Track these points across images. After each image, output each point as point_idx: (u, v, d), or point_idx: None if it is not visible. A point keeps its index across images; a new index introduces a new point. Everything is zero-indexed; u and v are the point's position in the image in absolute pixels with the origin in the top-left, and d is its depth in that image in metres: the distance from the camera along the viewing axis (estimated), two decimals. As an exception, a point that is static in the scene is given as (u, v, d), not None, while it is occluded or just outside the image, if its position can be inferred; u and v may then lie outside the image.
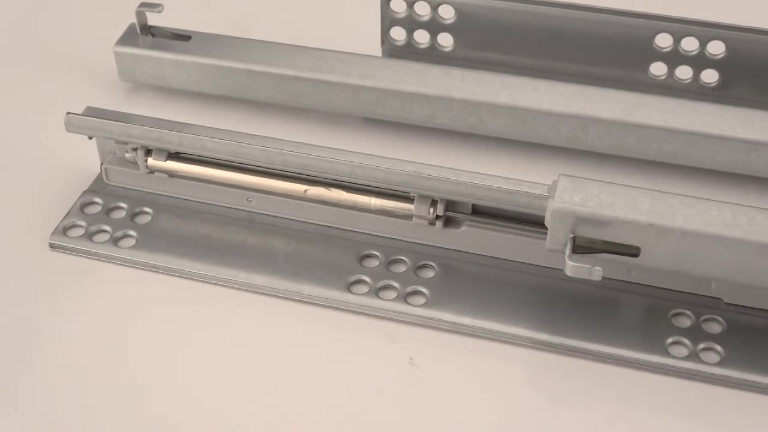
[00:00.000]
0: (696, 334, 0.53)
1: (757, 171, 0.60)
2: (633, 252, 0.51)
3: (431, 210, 0.56)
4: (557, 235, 0.51)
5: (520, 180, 0.54)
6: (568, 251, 0.50)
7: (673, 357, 0.52)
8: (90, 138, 0.60)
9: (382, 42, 0.68)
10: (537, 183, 0.53)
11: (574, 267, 0.50)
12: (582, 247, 0.51)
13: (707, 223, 0.50)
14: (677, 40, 0.63)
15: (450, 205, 0.57)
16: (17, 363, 0.53)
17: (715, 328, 0.54)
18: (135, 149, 0.60)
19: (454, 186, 0.55)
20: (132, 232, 0.59)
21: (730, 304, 0.54)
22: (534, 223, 0.55)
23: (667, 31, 0.63)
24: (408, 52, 0.67)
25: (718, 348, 0.53)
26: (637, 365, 0.52)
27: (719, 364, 0.52)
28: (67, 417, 0.51)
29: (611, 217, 0.50)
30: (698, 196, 0.51)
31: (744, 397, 0.51)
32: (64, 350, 0.54)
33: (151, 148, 0.59)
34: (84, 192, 0.62)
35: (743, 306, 0.54)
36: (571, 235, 0.51)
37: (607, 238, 0.51)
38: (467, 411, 0.51)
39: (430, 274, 0.57)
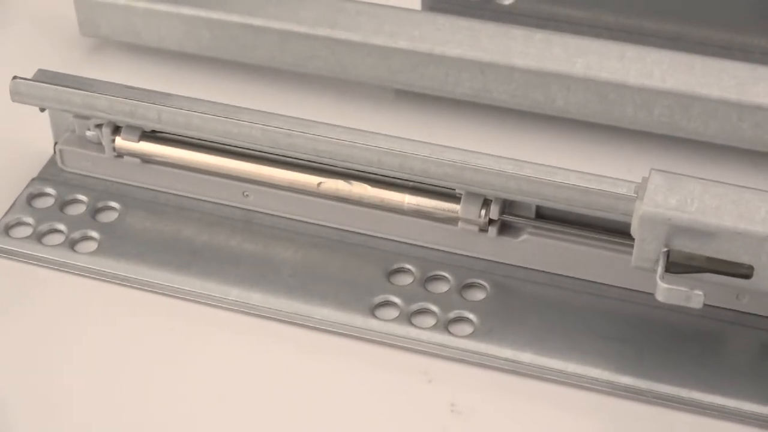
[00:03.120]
0: (825, 380, 0.54)
1: None
2: (745, 272, 0.51)
3: (483, 212, 0.57)
4: (647, 248, 0.52)
5: (599, 176, 0.54)
6: (660, 270, 0.51)
7: (795, 410, 0.53)
8: (42, 110, 0.61)
9: (422, -10, 0.69)
10: (621, 180, 0.54)
11: (667, 290, 0.50)
12: (679, 265, 0.51)
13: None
14: (808, -4, 0.63)
15: (507, 206, 0.57)
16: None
17: None
18: (99, 126, 0.60)
19: (512, 181, 0.55)
20: (93, 233, 0.60)
21: None
22: (616, 232, 0.56)
23: (795, -17, 0.63)
24: (455, 3, 0.68)
25: None
26: (747, 419, 0.53)
27: None
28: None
29: (717, 227, 0.50)
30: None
31: None
32: (3, 374, 0.55)
33: (120, 124, 0.60)
34: (32, 180, 0.62)
35: None
36: (665, 249, 0.51)
37: (711, 254, 0.51)
38: (524, 474, 0.52)
39: (479, 295, 0.57)
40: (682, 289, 0.50)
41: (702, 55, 0.63)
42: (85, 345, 0.56)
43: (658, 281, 0.51)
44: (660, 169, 0.52)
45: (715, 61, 0.62)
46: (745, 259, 0.51)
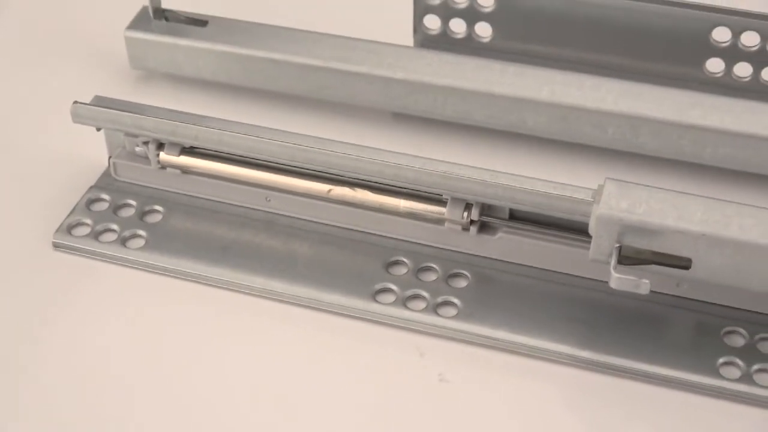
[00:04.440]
0: (750, 354, 0.53)
1: (821, 178, 0.60)
2: (684, 264, 0.51)
3: (465, 214, 0.57)
4: (602, 244, 0.51)
5: (562, 183, 0.54)
6: (613, 262, 0.51)
7: (725, 378, 0.53)
8: (98, 130, 0.61)
9: (415, 31, 0.68)
10: (581, 187, 0.53)
11: (619, 279, 0.50)
12: (629, 258, 0.51)
13: (765, 233, 0.50)
14: (736, 35, 0.63)
15: (485, 209, 0.57)
16: (16, 366, 0.54)
17: (771, 348, 0.54)
18: (146, 143, 0.60)
19: (490, 188, 0.55)
20: (141, 232, 0.60)
21: (789, 322, 0.55)
22: (576, 230, 0.55)
23: (725, 25, 0.62)
24: (442, 42, 0.68)
25: (775, 370, 0.53)
26: (685, 387, 0.53)
27: (776, 387, 0.52)
28: (65, 421, 0.51)
29: (661, 226, 0.50)
30: (756, 205, 0.51)
31: (802, 425, 0.52)
32: (65, 355, 0.54)
33: (163, 141, 0.60)
34: (90, 188, 0.62)
35: (803, 325, 0.55)
36: (617, 245, 0.51)
37: (656, 249, 0.51)
38: (500, 433, 0.51)
39: (462, 283, 0.57)
40: (632, 278, 0.50)
41: (648, 83, 0.62)
42: (135, 326, 0.56)
43: (612, 272, 0.50)
44: (613, 178, 0.52)
45: (658, 89, 0.62)
46: (684, 253, 0.51)
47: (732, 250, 0.50)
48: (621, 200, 0.51)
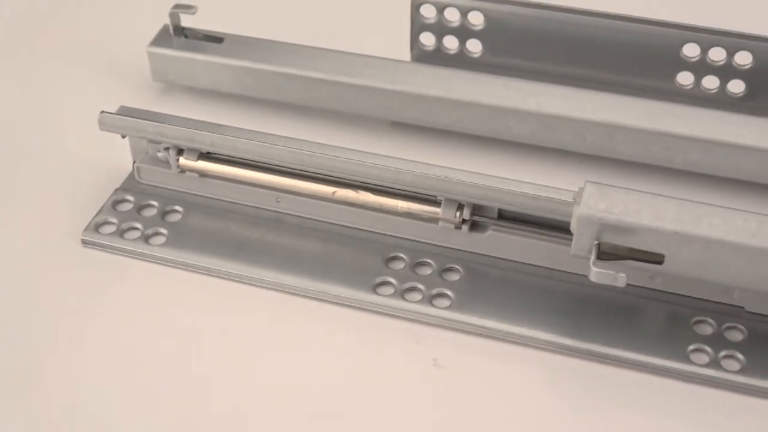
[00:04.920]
0: (717, 341, 0.54)
1: (782, 181, 0.61)
2: (657, 259, 0.51)
3: (457, 214, 0.57)
4: (582, 241, 0.52)
5: (546, 186, 0.54)
6: (592, 257, 0.51)
7: (695, 364, 0.53)
8: (123, 137, 0.61)
9: (411, 47, 0.68)
10: (563, 189, 0.54)
11: (598, 273, 0.50)
12: (607, 254, 0.51)
13: (732, 232, 0.50)
14: (704, 50, 0.63)
15: (476, 209, 0.57)
16: (48, 355, 0.54)
17: (736, 336, 0.54)
18: (167, 149, 0.60)
19: (480, 190, 0.55)
20: (162, 230, 0.60)
21: (752, 312, 0.55)
22: (559, 229, 0.55)
23: (694, 41, 0.63)
24: (436, 57, 0.68)
25: (740, 356, 0.53)
26: (658, 371, 0.53)
27: (740, 372, 0.52)
28: (94, 409, 0.52)
29: (637, 225, 0.50)
30: (723, 206, 0.51)
31: (764, 406, 0.51)
32: (94, 344, 0.54)
33: (182, 147, 0.60)
34: (116, 190, 0.62)
35: (765, 315, 0.55)
36: (596, 242, 0.51)
37: (631, 246, 0.51)
38: (488, 413, 0.51)
39: (455, 277, 0.57)
40: (610, 272, 0.50)
41: (623, 95, 0.63)
42: (157, 315, 0.56)
43: (591, 267, 0.51)
44: (593, 181, 0.52)
45: (633, 100, 0.62)
46: (658, 250, 0.51)
47: (701, 246, 0.50)
48: (600, 201, 0.51)
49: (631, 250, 0.51)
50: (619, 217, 0.50)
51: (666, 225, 0.50)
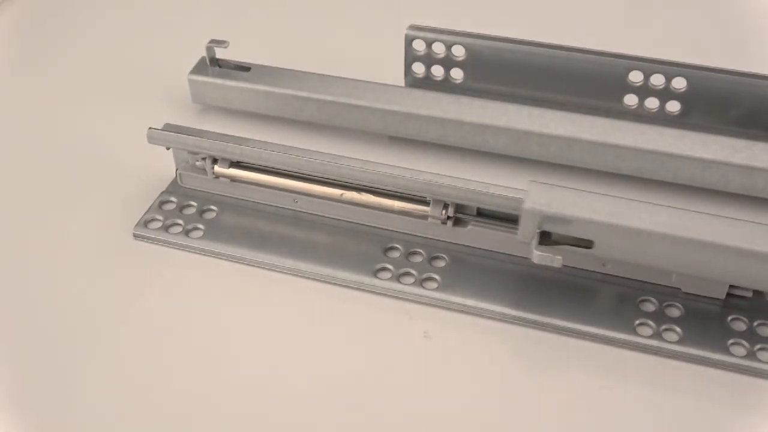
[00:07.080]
0: (659, 317, 0.53)
1: (710, 184, 0.60)
2: (586, 245, 0.51)
3: (444, 212, 0.56)
4: (527, 229, 0.51)
5: (514, 188, 0.54)
6: (534, 243, 0.51)
7: (640, 336, 0.52)
8: (167, 149, 0.60)
9: (405, 74, 0.67)
10: (519, 189, 0.53)
11: (539, 255, 0.50)
12: (546, 240, 0.51)
13: (658, 224, 0.49)
14: (647, 77, 0.62)
15: (459, 207, 0.57)
16: (106, 336, 0.53)
17: (674, 312, 0.54)
18: (204, 158, 0.60)
19: (462, 192, 0.55)
20: (200, 226, 0.59)
21: (687, 293, 0.54)
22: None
23: (638, 69, 0.62)
24: (426, 83, 0.67)
25: (678, 329, 0.52)
26: (609, 342, 0.52)
27: (678, 342, 0.52)
28: (149, 385, 0.51)
29: (571, 216, 0.50)
30: (654, 203, 0.51)
31: (698, 371, 0.51)
32: (145, 323, 0.54)
33: (217, 157, 0.59)
34: (162, 192, 0.62)
35: (698, 295, 0.54)
36: (539, 230, 0.51)
37: (567, 233, 0.51)
38: (468, 374, 0.51)
39: (441, 264, 0.57)
40: (548, 255, 0.50)
41: (580, 114, 0.62)
42: (197, 297, 0.55)
43: (533, 250, 0.50)
44: (535, 181, 0.52)
45: (588, 117, 0.61)
46: (588, 236, 0.50)
47: (627, 235, 0.50)
48: (541, 197, 0.51)
49: (566, 236, 0.51)
50: (557, 210, 0.50)
51: (595, 216, 0.50)
